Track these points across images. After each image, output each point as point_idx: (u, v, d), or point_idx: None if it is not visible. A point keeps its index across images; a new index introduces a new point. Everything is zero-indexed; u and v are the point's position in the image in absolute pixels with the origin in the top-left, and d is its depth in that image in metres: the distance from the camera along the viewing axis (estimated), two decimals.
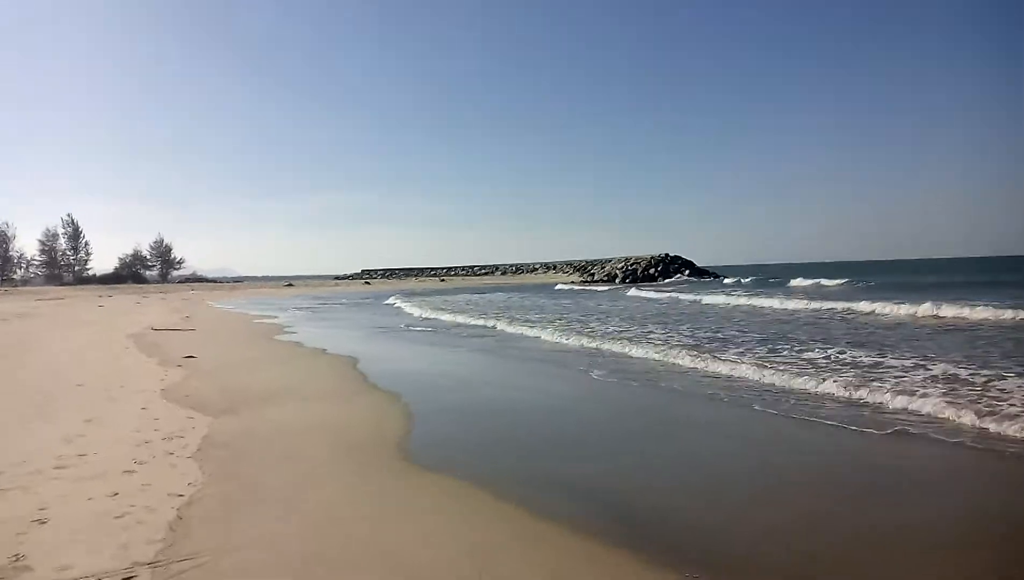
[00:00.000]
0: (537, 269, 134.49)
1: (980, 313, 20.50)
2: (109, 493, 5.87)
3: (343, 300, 49.74)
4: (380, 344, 19.56)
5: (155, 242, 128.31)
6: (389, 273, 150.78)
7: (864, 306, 24.60)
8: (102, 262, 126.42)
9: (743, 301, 31.44)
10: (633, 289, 53.48)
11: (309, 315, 33.48)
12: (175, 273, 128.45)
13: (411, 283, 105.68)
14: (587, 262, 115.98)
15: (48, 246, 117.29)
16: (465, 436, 8.41)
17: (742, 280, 68.16)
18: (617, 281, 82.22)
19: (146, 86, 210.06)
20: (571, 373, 12.91)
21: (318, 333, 23.09)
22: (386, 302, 43.17)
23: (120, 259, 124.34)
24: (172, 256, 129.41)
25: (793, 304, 27.77)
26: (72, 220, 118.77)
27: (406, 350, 18.20)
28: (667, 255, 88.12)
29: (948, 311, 21.48)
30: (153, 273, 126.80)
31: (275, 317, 31.59)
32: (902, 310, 22.88)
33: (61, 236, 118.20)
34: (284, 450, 7.51)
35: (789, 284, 53.30)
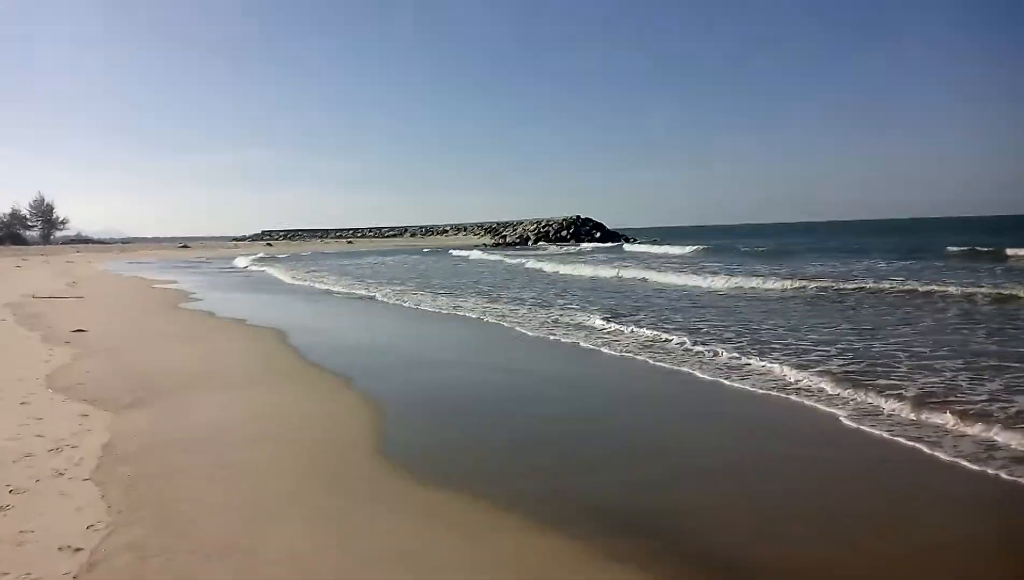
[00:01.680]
0: (447, 231, 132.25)
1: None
2: None
3: (240, 262, 46.69)
4: (305, 313, 17.55)
5: (35, 201, 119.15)
6: (292, 234, 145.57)
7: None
8: None
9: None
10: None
11: (215, 280, 30.79)
12: (58, 234, 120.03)
13: (315, 245, 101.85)
14: (498, 224, 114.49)
15: None
16: (447, 431, 6.79)
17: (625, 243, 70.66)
18: (529, 243, 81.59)
19: (29, 23, 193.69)
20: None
21: (230, 300, 20.80)
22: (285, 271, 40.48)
23: None
24: (55, 215, 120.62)
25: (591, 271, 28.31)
26: None
27: (336, 320, 16.33)
28: (579, 217, 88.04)
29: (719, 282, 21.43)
30: (34, 234, 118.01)
31: (175, 281, 28.78)
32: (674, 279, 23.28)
33: None
34: (218, 462, 5.72)
35: (624, 247, 56.35)
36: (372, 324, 15.28)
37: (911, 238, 59.79)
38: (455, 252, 53.65)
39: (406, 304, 18.05)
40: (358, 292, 22.05)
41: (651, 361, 9.66)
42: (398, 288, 22.72)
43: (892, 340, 10.50)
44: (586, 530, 4.40)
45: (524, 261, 35.96)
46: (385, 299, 19.56)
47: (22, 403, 7.50)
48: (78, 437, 6.30)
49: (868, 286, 18.34)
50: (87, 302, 19.69)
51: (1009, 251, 29.48)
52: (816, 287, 18.69)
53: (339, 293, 22.12)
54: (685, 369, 9.07)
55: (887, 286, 18.05)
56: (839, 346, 10.10)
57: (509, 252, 53.13)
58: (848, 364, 8.87)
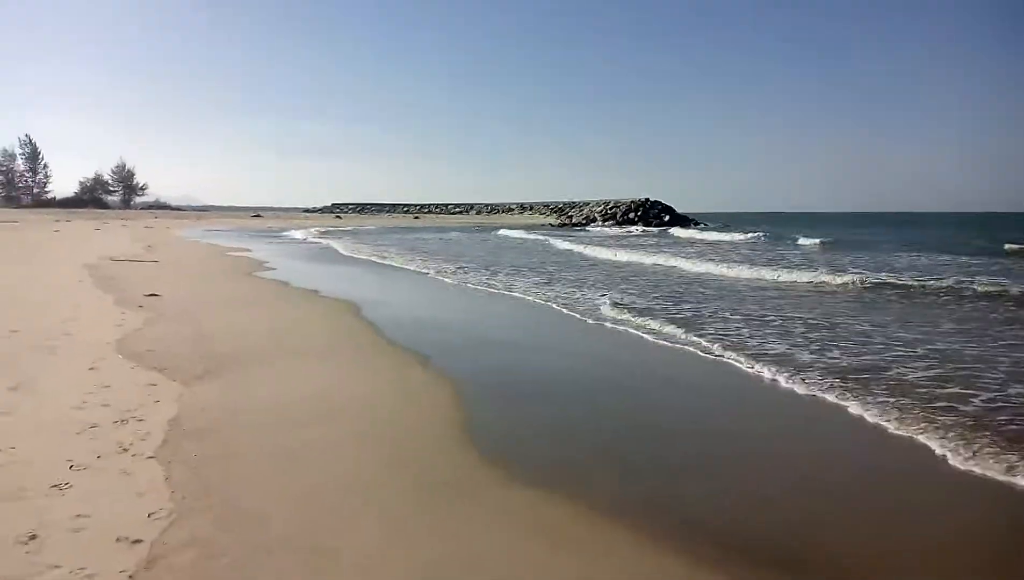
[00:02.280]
0: (513, 209, 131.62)
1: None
2: (19, 536, 3.67)
3: (311, 233, 47.08)
4: (375, 287, 17.27)
5: (117, 166, 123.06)
6: (361, 208, 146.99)
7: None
8: (63, 186, 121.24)
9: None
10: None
11: (288, 249, 30.93)
12: (138, 200, 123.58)
13: (382, 219, 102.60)
14: (564, 204, 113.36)
15: (5, 167, 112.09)
16: (531, 421, 6.26)
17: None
18: (597, 224, 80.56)
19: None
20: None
21: (304, 270, 20.71)
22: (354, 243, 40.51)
23: (81, 183, 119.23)
24: (135, 181, 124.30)
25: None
26: (30, 140, 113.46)
27: (402, 294, 15.97)
28: (647, 200, 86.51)
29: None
30: (115, 199, 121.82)
31: (249, 249, 28.98)
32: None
33: (19, 157, 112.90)
34: (289, 445, 5.30)
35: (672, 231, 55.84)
36: (437, 300, 14.83)
37: (957, 233, 55.44)
38: (506, 232, 52.64)
39: (468, 283, 17.56)
40: (414, 268, 21.73)
41: (737, 363, 8.93)
42: (449, 266, 22.30)
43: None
44: (695, 547, 3.82)
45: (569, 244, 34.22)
46: (442, 278, 19.13)
47: (91, 369, 7.25)
48: (145, 409, 5.98)
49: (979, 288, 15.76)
50: (162, 267, 19.83)
51: None
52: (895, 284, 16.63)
53: (404, 268, 21.85)
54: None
55: (993, 288, 15.70)
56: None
57: (562, 232, 52.21)
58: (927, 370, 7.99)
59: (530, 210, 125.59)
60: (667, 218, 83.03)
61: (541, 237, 42.24)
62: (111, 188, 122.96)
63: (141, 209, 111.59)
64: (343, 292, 14.80)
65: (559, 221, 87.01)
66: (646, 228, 71.97)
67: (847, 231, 61.31)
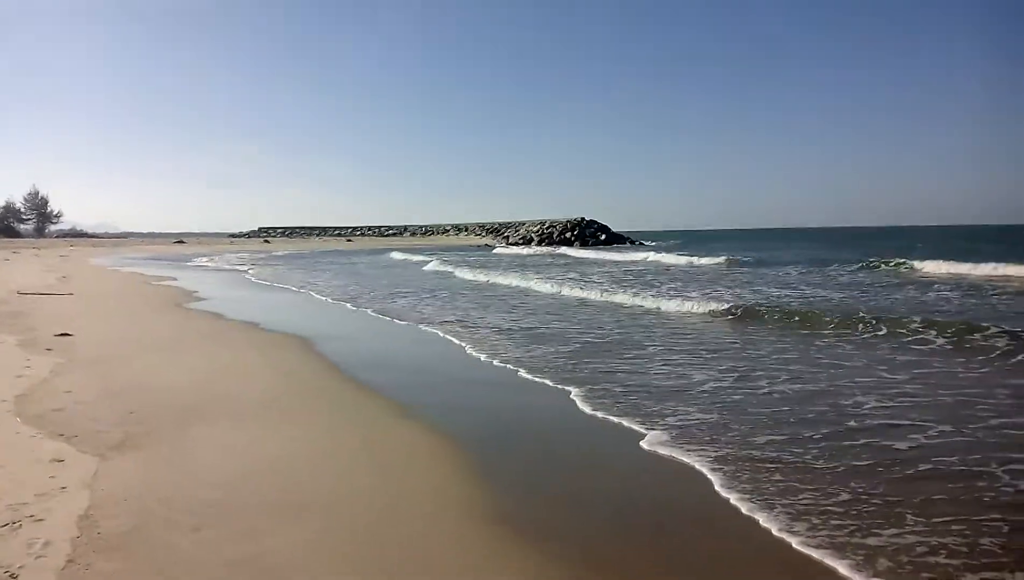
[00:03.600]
0: (448, 231, 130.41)
1: None
2: None
3: (248, 258, 44.87)
4: (322, 318, 15.75)
5: (29, 193, 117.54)
6: (290, 232, 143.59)
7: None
8: None
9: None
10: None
11: (217, 277, 28.93)
12: (53, 228, 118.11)
13: (314, 242, 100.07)
14: (500, 224, 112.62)
15: None
16: (554, 488, 5.00)
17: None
18: (532, 245, 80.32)
19: (26, 19, 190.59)
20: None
21: (238, 300, 19.01)
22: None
23: None
24: (49, 209, 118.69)
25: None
26: None
27: (358, 321, 14.52)
28: (583, 219, 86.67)
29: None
30: (28, 227, 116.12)
31: (174, 278, 26.94)
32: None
33: None
34: (240, 553, 3.91)
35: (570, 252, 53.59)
36: (389, 333, 13.45)
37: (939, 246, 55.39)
38: (396, 255, 50.72)
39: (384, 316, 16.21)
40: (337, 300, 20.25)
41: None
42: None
43: None
44: None
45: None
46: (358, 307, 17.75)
47: None
48: (47, 500, 4.51)
49: None
50: (77, 300, 17.87)
51: None
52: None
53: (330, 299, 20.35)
54: None
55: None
56: None
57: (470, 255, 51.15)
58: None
59: (465, 231, 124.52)
60: (603, 237, 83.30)
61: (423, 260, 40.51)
62: (24, 216, 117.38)
63: (56, 237, 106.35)
64: (286, 324, 13.30)
65: (495, 241, 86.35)
66: (582, 247, 71.86)
67: (794, 246, 61.70)
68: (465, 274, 27.77)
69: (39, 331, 11.84)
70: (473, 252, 57.53)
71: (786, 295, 17.98)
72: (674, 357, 9.83)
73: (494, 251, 62.20)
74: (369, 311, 16.13)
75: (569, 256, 49.05)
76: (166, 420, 6.56)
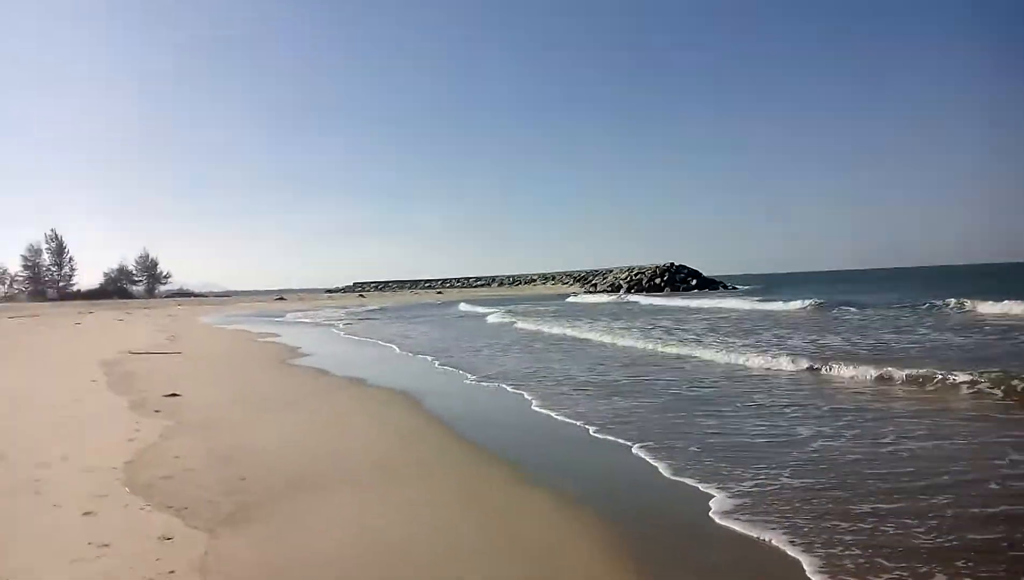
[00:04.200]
0: (535, 280, 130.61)
1: None
2: None
3: (345, 313, 45.57)
4: (433, 375, 15.34)
5: (141, 256, 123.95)
6: (382, 285, 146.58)
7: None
8: (89, 278, 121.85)
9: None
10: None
11: (319, 332, 29.24)
12: (162, 288, 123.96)
13: (406, 296, 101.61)
14: (588, 272, 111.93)
15: (31, 262, 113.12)
16: None
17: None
18: (621, 292, 79.06)
19: (129, 93, 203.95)
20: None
21: (342, 355, 18.97)
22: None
23: (105, 274, 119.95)
24: (159, 270, 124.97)
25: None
26: (56, 234, 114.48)
27: (472, 384, 14.07)
28: (672, 264, 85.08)
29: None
30: (139, 288, 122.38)
31: (277, 334, 27.34)
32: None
33: (44, 251, 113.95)
34: None
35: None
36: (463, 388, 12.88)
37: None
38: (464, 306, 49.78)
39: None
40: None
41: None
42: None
43: None
44: None
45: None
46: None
47: (86, 513, 5.40)
48: None
49: None
50: (186, 359, 18.14)
51: None
52: None
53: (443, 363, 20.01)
54: None
55: None
56: None
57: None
58: None
59: (552, 280, 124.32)
60: (694, 282, 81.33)
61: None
62: (135, 278, 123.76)
63: (165, 297, 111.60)
64: (392, 381, 12.97)
65: (584, 290, 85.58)
66: (672, 293, 70.38)
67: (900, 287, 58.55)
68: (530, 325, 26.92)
69: (149, 392, 11.85)
70: (551, 301, 55.88)
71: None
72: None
73: (567, 300, 61.14)
74: (436, 363, 15.69)
75: (639, 304, 46.50)
76: (276, 487, 6.16)
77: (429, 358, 17.23)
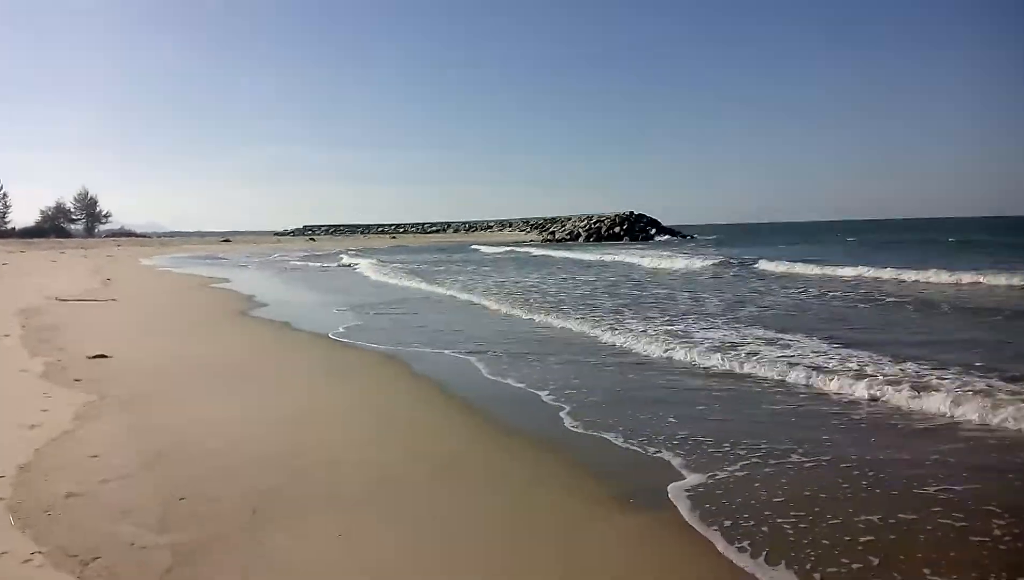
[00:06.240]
0: (492, 226, 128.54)
1: None
2: None
3: (297, 257, 43.08)
4: (413, 325, 13.23)
5: (79, 194, 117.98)
6: (334, 229, 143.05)
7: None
8: (24, 216, 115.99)
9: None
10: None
11: (272, 277, 26.94)
12: (102, 228, 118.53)
13: (359, 240, 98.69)
14: (546, 220, 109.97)
15: None
16: None
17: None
18: (580, 240, 78.22)
19: (72, 27, 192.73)
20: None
21: (308, 304, 16.95)
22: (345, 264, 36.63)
23: (42, 212, 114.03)
24: (98, 209, 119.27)
25: None
26: None
27: (455, 331, 12.12)
28: (632, 213, 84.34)
29: None
30: (78, 227, 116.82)
31: (228, 280, 24.95)
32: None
33: None
34: None
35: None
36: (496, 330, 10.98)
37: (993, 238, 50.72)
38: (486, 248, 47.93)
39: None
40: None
41: None
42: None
43: None
44: None
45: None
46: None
47: None
48: None
49: None
50: (122, 307, 15.91)
51: None
52: None
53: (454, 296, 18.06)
54: None
55: None
56: None
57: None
58: None
59: (509, 227, 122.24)
60: (653, 231, 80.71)
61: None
62: (73, 217, 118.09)
63: (105, 237, 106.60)
64: (378, 338, 11.07)
65: (542, 238, 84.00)
66: (631, 241, 69.76)
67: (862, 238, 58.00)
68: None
69: (70, 351, 9.77)
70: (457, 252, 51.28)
71: None
72: None
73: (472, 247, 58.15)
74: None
75: (531, 255, 43.06)
76: (232, 515, 4.28)
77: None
